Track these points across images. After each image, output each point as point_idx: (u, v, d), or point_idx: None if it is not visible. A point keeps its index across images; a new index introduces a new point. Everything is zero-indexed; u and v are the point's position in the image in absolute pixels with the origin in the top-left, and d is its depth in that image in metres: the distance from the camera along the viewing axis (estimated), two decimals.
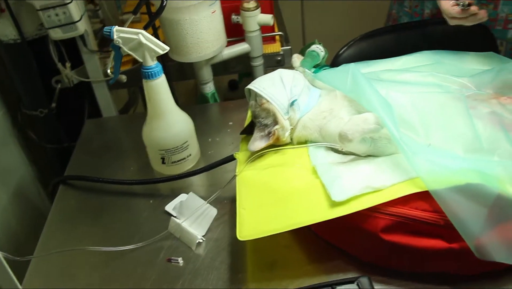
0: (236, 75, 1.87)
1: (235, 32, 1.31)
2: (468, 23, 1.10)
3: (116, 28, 0.94)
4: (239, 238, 0.80)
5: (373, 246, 0.80)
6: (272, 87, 0.96)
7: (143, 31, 0.93)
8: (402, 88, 0.95)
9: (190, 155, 1.07)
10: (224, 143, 1.16)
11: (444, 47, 1.13)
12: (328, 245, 0.87)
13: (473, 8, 1.06)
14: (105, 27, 0.94)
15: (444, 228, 0.75)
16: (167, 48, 0.95)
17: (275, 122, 0.94)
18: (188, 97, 1.86)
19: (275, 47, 1.39)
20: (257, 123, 0.96)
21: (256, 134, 0.95)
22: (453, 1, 1.08)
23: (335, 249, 0.86)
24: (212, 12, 1.17)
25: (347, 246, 0.85)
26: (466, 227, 0.73)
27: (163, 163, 1.05)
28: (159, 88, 0.98)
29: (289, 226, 0.79)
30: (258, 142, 0.95)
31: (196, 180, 1.06)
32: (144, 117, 1.06)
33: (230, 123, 1.21)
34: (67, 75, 1.34)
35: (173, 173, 1.05)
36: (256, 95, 0.97)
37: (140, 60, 0.96)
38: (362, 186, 0.79)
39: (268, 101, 0.94)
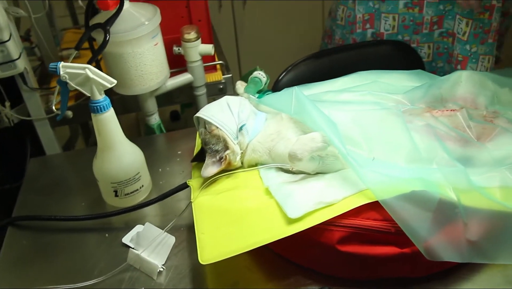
0: (177, 106, 1.89)
1: (177, 63, 1.33)
2: None
3: (62, 63, 0.94)
4: (201, 262, 0.82)
5: (331, 258, 0.84)
6: (220, 114, 0.99)
7: (90, 66, 0.94)
8: (344, 107, 1.01)
9: (142, 186, 1.08)
10: (174, 173, 1.17)
11: (376, 67, 1.21)
12: (288, 263, 0.90)
13: None
14: (51, 63, 0.94)
15: (395, 234, 0.80)
16: (115, 81, 0.96)
17: (226, 147, 0.97)
18: (131, 130, 1.86)
19: (217, 76, 1.42)
20: (207, 150, 0.99)
21: (208, 160, 0.98)
22: None
23: (294, 266, 0.89)
24: (155, 45, 1.19)
25: (306, 261, 0.88)
26: (414, 232, 0.78)
27: (116, 195, 1.05)
28: (109, 121, 0.99)
29: (250, 245, 0.81)
30: (210, 168, 0.97)
31: (150, 210, 1.06)
32: (89, 153, 1.05)
33: (179, 152, 1.23)
34: (7, 115, 1.31)
35: (127, 205, 1.05)
36: (205, 122, 0.99)
37: (88, 94, 0.96)
38: (315, 202, 0.83)
39: (217, 127, 0.97)
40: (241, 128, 0.99)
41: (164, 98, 1.37)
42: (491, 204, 0.82)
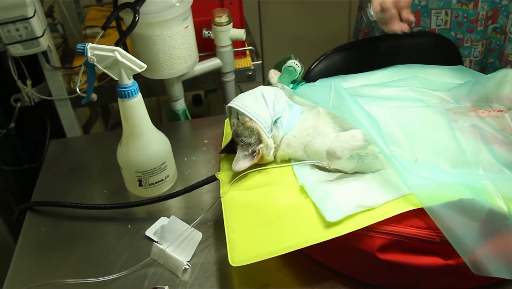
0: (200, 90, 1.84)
1: (206, 47, 1.28)
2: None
3: (90, 45, 0.89)
4: (232, 264, 0.77)
5: (370, 265, 0.79)
6: (255, 105, 0.94)
7: (119, 48, 0.89)
8: (384, 104, 0.95)
9: (168, 176, 1.03)
10: (200, 163, 1.12)
11: (413, 59, 1.14)
12: (320, 266, 0.85)
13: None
14: (78, 44, 0.89)
15: (440, 244, 0.75)
16: (145, 66, 0.91)
17: (259, 141, 0.92)
18: (152, 115, 1.80)
19: (246, 62, 1.37)
20: (239, 142, 0.94)
21: (240, 153, 0.93)
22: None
23: (327, 270, 0.85)
24: (185, 28, 1.14)
25: (341, 266, 0.84)
26: (461, 243, 0.73)
27: (140, 185, 1.01)
28: (136, 107, 0.94)
29: (284, 249, 0.77)
30: (242, 162, 0.92)
31: (174, 202, 1.01)
32: (111, 137, 1.01)
33: (205, 141, 1.18)
34: (28, 94, 1.26)
35: (151, 195, 1.01)
36: (238, 113, 0.94)
37: (116, 78, 0.91)
38: (355, 205, 0.78)
39: (251, 119, 0.92)
40: (275, 121, 0.93)
41: (190, 83, 1.31)
42: None
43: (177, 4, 1.10)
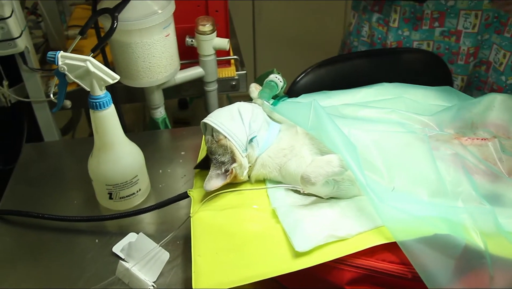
0: None
1: (189, 55, 1.24)
2: None
3: (61, 53, 0.85)
4: None
5: None
6: (230, 122, 0.91)
7: (91, 58, 0.86)
8: (365, 127, 0.92)
9: (139, 189, 1.00)
10: (176, 176, 1.08)
11: (402, 76, 1.12)
12: None
13: None
14: (49, 52, 0.86)
15: (412, 280, 0.73)
16: (118, 77, 0.87)
17: (233, 160, 0.89)
18: (136, 115, 1.77)
19: (230, 72, 1.33)
20: (213, 160, 0.90)
21: (212, 172, 0.90)
22: None
23: None
24: (166, 36, 1.10)
25: None
26: (433, 280, 0.70)
27: (111, 198, 0.97)
28: (108, 119, 0.91)
29: (250, 278, 0.74)
30: (214, 181, 0.89)
31: (146, 216, 0.98)
32: (90, 143, 0.97)
33: (182, 153, 1.14)
34: (4, 94, 1.23)
35: (121, 208, 0.98)
36: (213, 130, 0.91)
37: (87, 89, 0.88)
38: (326, 234, 0.75)
39: (226, 137, 0.89)
40: (251, 140, 0.90)
41: (172, 91, 1.28)
42: None
43: (159, 11, 1.06)
